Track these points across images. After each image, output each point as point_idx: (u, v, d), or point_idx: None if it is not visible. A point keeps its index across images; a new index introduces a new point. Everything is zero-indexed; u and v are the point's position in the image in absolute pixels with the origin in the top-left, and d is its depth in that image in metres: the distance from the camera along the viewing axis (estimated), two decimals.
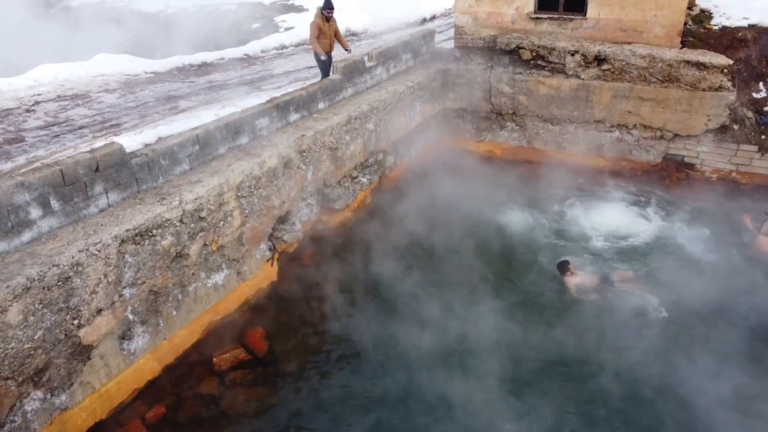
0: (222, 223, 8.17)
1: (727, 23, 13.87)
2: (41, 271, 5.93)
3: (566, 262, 9.67)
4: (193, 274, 7.91)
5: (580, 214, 11.70)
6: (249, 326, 8.73)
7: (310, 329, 8.97)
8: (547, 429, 7.19)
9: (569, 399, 7.60)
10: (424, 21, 24.37)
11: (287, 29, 25.68)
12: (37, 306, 5.92)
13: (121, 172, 7.23)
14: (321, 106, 10.76)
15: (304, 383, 7.99)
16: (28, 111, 11.78)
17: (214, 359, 8.06)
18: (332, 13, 11.46)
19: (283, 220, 9.66)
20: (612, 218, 11.31)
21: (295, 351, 8.51)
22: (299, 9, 29.39)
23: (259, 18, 28.29)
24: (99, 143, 9.91)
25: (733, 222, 11.24)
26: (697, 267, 10.04)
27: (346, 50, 12.20)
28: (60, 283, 6.11)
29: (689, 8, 14.45)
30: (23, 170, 7.26)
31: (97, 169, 6.91)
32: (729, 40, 13.10)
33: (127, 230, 6.79)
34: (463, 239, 11.01)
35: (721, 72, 11.96)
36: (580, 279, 9.56)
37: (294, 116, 10.12)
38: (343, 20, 22.13)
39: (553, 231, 11.36)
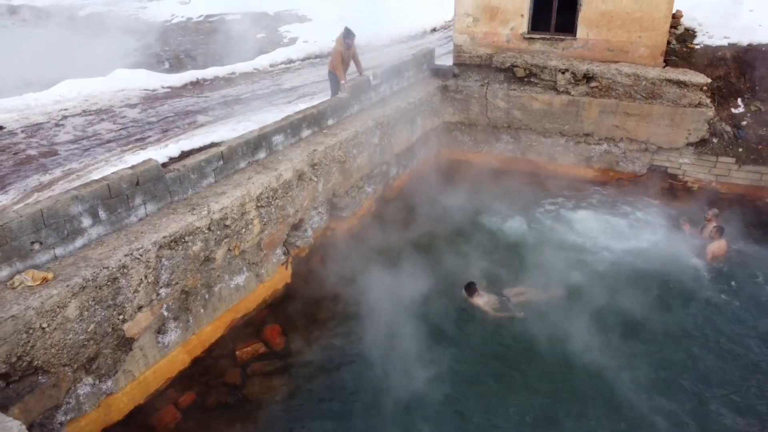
0: (243, 230, 9.08)
1: (709, 42, 14.83)
2: (94, 272, 6.84)
3: (473, 284, 10.10)
4: (218, 276, 8.81)
5: (566, 220, 12.61)
6: (267, 323, 9.64)
7: (322, 326, 9.85)
8: None
9: None
10: (424, 34, 25.28)
11: (291, 39, 26.62)
12: (90, 303, 6.83)
13: (157, 186, 8.14)
14: (330, 122, 11.68)
15: (317, 374, 8.86)
16: (57, 125, 12.68)
17: (237, 352, 8.96)
18: (353, 41, 12.41)
19: (296, 227, 10.58)
20: (593, 224, 12.21)
21: (308, 345, 9.38)
22: (303, 19, 30.33)
23: (263, 28, 29.17)
24: (127, 157, 10.87)
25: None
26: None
27: (361, 74, 13.08)
28: (109, 283, 7.02)
29: (674, 27, 15.44)
30: (76, 184, 8.17)
31: (137, 183, 7.82)
32: (709, 58, 14.06)
33: (164, 237, 7.70)
34: (458, 241, 11.97)
35: (700, 90, 12.91)
36: (486, 299, 10.07)
37: (306, 132, 11.04)
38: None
39: (541, 235, 12.26)
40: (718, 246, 10.99)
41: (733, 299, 10.24)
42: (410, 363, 9.05)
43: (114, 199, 7.57)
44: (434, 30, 25.87)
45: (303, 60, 19.88)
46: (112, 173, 7.77)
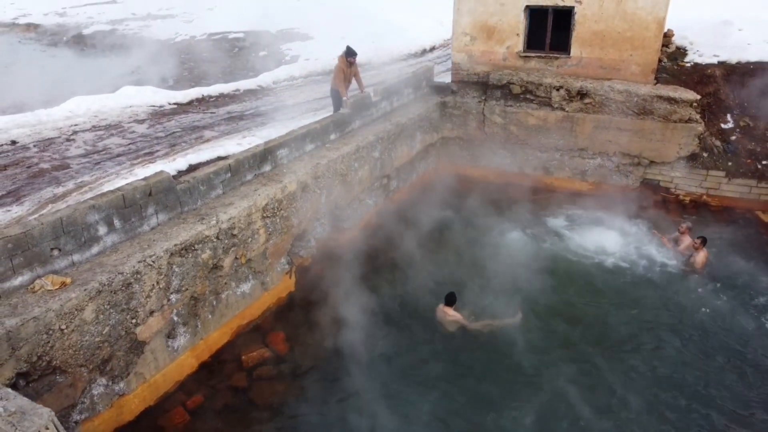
0: (250, 239, 9.46)
1: (699, 60, 15.32)
2: (110, 277, 7.21)
3: (454, 295, 10.11)
4: (225, 283, 9.18)
5: (560, 234, 12.99)
6: (272, 329, 9.98)
7: (324, 333, 10.14)
8: None
9: None
10: (424, 52, 25.81)
11: (293, 57, 27.14)
12: (106, 306, 7.19)
13: (168, 196, 8.53)
14: (333, 137, 12.11)
15: (320, 378, 9.17)
16: (68, 140, 13.10)
17: (243, 357, 9.28)
18: (354, 59, 12.86)
19: (300, 237, 10.95)
20: (587, 238, 12.58)
21: (311, 351, 9.70)
22: (305, 37, 30.86)
23: (266, 46, 29.71)
24: (137, 170, 11.26)
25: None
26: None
27: (362, 91, 13.52)
28: (123, 288, 7.38)
29: (666, 46, 15.95)
30: (88, 195, 8.56)
31: (150, 194, 8.21)
32: (699, 76, 14.54)
33: (174, 245, 8.07)
34: (456, 250, 12.34)
35: (690, 106, 13.36)
36: (467, 312, 10.25)
37: (310, 146, 11.46)
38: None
39: (534, 248, 12.62)
40: (702, 257, 11.31)
41: (719, 309, 10.57)
42: (411, 369, 9.39)
43: (128, 209, 7.95)
44: (434, 48, 26.38)
45: (305, 77, 20.36)
46: (127, 184, 8.16)
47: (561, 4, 13.91)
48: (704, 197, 13.80)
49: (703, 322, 10.29)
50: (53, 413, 4.68)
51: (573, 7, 13.83)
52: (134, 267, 7.51)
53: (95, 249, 7.61)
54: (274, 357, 9.49)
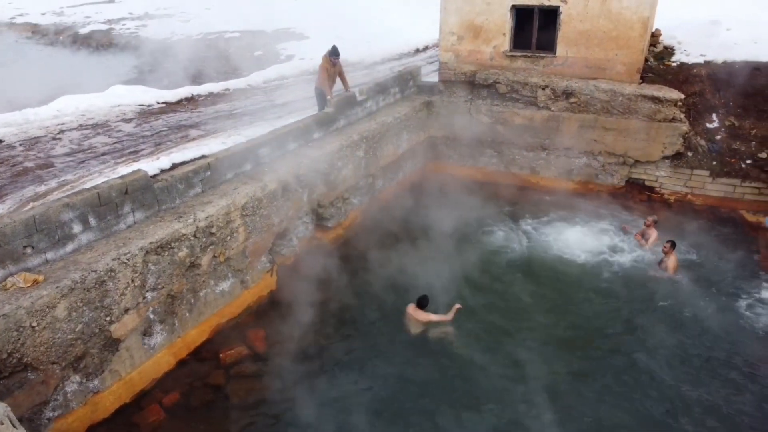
0: (229, 238, 9.50)
1: (686, 60, 15.35)
2: (83, 275, 7.25)
3: (427, 297, 10.15)
4: (203, 281, 9.22)
5: (545, 232, 13.02)
6: (251, 328, 10.01)
7: (305, 331, 10.17)
8: None
9: None
10: (416, 51, 25.85)
11: (288, 56, 27.16)
12: (78, 304, 7.24)
13: (146, 195, 8.58)
14: (316, 136, 12.15)
15: (298, 377, 9.17)
16: (54, 139, 13.15)
17: (221, 355, 9.32)
18: (338, 59, 12.89)
19: (281, 236, 10.99)
20: (570, 237, 12.61)
21: (290, 350, 9.71)
22: (300, 37, 30.90)
23: (261, 46, 29.73)
24: (120, 168, 11.31)
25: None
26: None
27: (347, 90, 13.54)
28: (97, 286, 7.42)
29: (653, 45, 15.99)
30: (68, 193, 8.60)
31: (126, 192, 8.26)
32: (685, 75, 14.56)
33: (150, 243, 8.11)
34: (441, 250, 12.37)
35: (674, 105, 13.38)
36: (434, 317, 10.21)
37: (292, 145, 11.50)
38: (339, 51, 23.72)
39: (519, 247, 12.66)
40: (673, 260, 11.28)
41: (699, 309, 10.57)
42: (390, 368, 9.43)
43: (104, 207, 8.00)
44: (426, 48, 26.42)
45: (297, 77, 20.38)
46: (103, 182, 8.22)
47: (546, 3, 13.93)
48: (689, 196, 13.82)
49: (682, 322, 10.31)
50: (8, 408, 4.71)
51: (558, 7, 13.85)
52: (108, 265, 7.55)
53: (70, 247, 7.66)
54: (253, 355, 9.53)
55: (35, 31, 39.99)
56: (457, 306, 10.10)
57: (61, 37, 37.61)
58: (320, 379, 9.20)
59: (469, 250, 12.56)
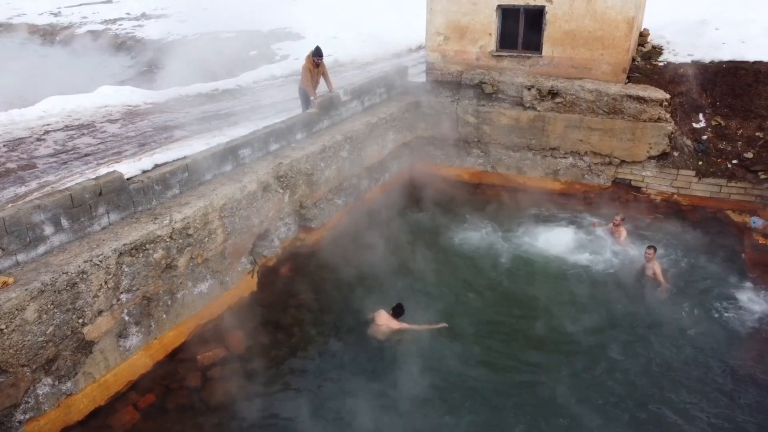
0: (207, 239, 9.48)
1: (674, 59, 15.32)
2: (53, 277, 7.24)
3: (402, 306, 10.11)
4: (181, 283, 9.20)
5: (530, 233, 12.99)
6: (230, 329, 9.97)
7: (285, 333, 10.19)
8: None
9: None
10: (409, 51, 25.81)
11: (283, 56, 27.13)
12: (49, 306, 7.22)
13: (121, 196, 8.57)
14: (299, 136, 12.13)
15: (275, 379, 9.17)
16: (38, 140, 13.15)
17: (198, 357, 9.30)
18: (321, 60, 12.86)
19: (263, 237, 10.97)
20: (556, 238, 12.57)
21: (269, 352, 9.71)
22: (296, 37, 30.87)
23: (256, 46, 29.70)
24: (102, 169, 11.29)
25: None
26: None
27: (331, 91, 13.50)
28: (68, 288, 7.41)
29: (641, 45, 15.96)
30: (40, 194, 8.60)
31: (100, 194, 8.25)
32: (671, 75, 14.53)
33: (124, 244, 8.10)
34: (424, 251, 12.36)
35: (660, 105, 13.34)
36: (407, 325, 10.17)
37: (274, 146, 11.48)
38: (333, 51, 23.71)
39: (504, 248, 12.63)
40: (658, 267, 11.19)
41: (683, 310, 10.57)
42: (368, 368, 9.42)
43: (77, 209, 7.98)
44: (420, 48, 26.33)
45: (286, 77, 20.37)
46: (76, 184, 8.21)
47: (532, 3, 13.91)
48: (675, 196, 13.78)
49: (665, 325, 10.27)
50: None
51: (544, 7, 13.82)
52: (80, 267, 7.54)
53: (41, 249, 7.65)
54: (231, 357, 9.51)
55: (32, 31, 39.99)
56: (443, 324, 10.06)
57: (57, 38, 37.61)
58: (297, 382, 9.19)
59: (451, 252, 12.57)
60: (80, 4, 46.28)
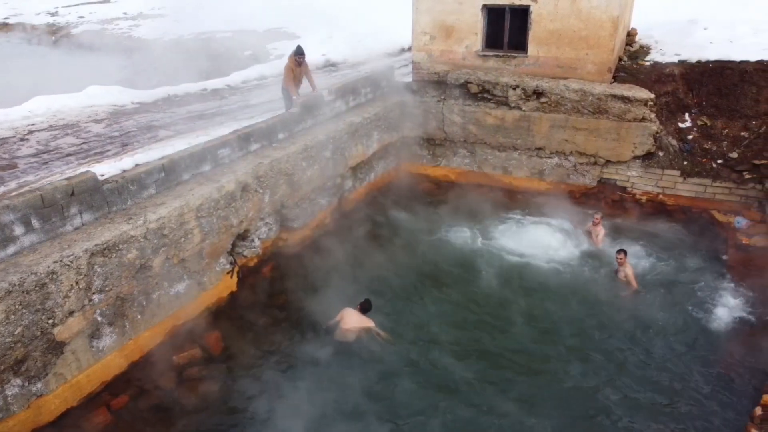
0: (183, 239, 9.46)
1: (661, 59, 15.27)
2: (21, 277, 7.22)
3: (370, 302, 10.17)
4: (156, 283, 9.18)
5: (515, 233, 12.98)
6: (208, 330, 9.96)
7: (263, 333, 10.19)
8: None
9: None
10: (402, 51, 25.77)
11: (278, 56, 27.08)
12: (17, 307, 7.20)
13: (94, 196, 8.54)
14: (281, 136, 12.10)
15: (252, 379, 9.17)
16: (22, 140, 13.12)
17: (174, 357, 9.29)
18: (303, 59, 12.82)
19: (242, 237, 10.95)
20: (540, 238, 12.57)
21: (247, 352, 9.71)
22: (292, 37, 30.81)
23: (252, 46, 29.67)
24: (83, 169, 11.27)
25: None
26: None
27: (314, 90, 13.46)
28: (37, 288, 7.39)
29: (629, 45, 15.91)
30: (11, 194, 8.58)
31: (72, 194, 8.23)
32: (658, 75, 14.47)
33: (96, 245, 8.08)
34: (407, 251, 12.35)
35: (644, 105, 13.29)
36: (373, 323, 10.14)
37: (255, 146, 11.45)
38: (327, 51, 23.70)
39: (482, 247, 12.63)
40: (630, 270, 11.17)
41: (654, 314, 10.57)
42: (347, 370, 9.40)
43: (48, 209, 7.96)
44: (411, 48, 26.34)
45: (276, 77, 20.22)
46: (48, 184, 8.19)
47: (517, 3, 13.86)
48: (660, 196, 13.73)
49: (642, 327, 10.28)
50: None
51: (529, 6, 13.78)
52: (49, 267, 7.52)
53: (11, 249, 7.63)
54: (207, 357, 9.51)
55: (28, 31, 40.02)
56: (389, 338, 10.05)
57: (53, 38, 37.64)
58: (273, 382, 9.17)
59: (433, 251, 12.57)
60: (78, 4, 46.34)
